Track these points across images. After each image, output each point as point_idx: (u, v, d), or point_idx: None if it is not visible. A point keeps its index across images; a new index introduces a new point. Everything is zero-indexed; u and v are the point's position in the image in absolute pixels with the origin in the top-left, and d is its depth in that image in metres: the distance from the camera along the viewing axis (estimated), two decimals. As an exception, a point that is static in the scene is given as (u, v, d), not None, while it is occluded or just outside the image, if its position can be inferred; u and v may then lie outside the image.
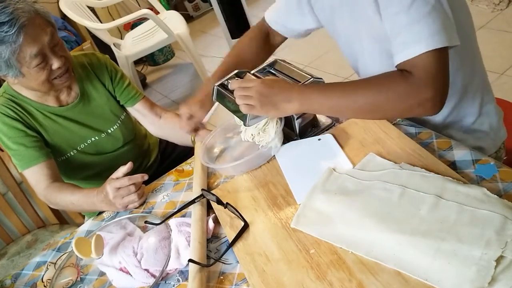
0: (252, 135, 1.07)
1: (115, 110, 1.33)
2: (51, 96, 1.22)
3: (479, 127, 1.01)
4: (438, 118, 1.00)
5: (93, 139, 1.29)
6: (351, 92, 0.84)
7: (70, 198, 1.13)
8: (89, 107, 1.28)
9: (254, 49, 1.17)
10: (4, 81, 1.21)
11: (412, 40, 0.76)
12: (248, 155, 0.98)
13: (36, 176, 1.17)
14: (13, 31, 1.00)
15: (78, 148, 1.28)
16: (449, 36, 0.75)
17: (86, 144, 1.28)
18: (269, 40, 1.19)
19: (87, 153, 1.29)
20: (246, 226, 0.87)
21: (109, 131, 1.31)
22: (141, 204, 1.08)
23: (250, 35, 1.19)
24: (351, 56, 1.07)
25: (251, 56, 1.15)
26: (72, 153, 1.27)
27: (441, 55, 0.75)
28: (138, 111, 1.38)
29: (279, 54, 1.15)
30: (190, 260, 0.80)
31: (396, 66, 0.80)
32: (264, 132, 1.04)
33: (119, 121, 1.33)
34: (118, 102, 1.35)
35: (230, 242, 0.86)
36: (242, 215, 0.88)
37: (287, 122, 1.06)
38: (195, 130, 1.09)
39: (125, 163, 1.06)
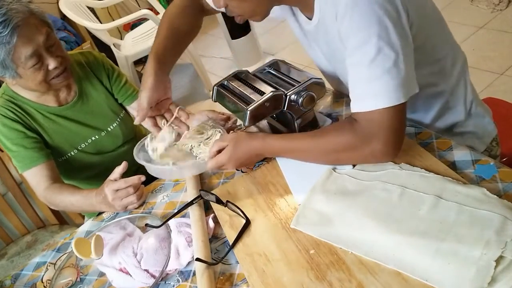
0: (192, 146, 1.05)
1: (114, 108, 1.33)
2: (50, 96, 1.22)
3: (465, 129, 1.02)
4: (425, 123, 1.02)
5: (93, 138, 1.29)
6: (309, 140, 0.89)
7: (69, 199, 1.13)
8: (88, 105, 1.28)
9: (188, 18, 1.06)
10: (2, 82, 1.21)
11: (370, 94, 0.77)
12: (182, 161, 1.02)
13: (36, 177, 1.17)
14: (7, 32, 0.99)
15: (79, 148, 1.28)
16: (407, 90, 0.77)
17: (86, 144, 1.28)
18: (202, 6, 1.10)
19: (88, 152, 1.29)
20: (247, 223, 0.87)
21: (109, 129, 1.31)
22: (141, 205, 1.08)
23: (179, 2, 1.08)
24: (333, 77, 1.09)
25: (186, 28, 1.06)
26: (72, 153, 1.27)
27: (396, 110, 0.77)
28: (135, 109, 1.38)
29: (279, 54, 1.15)
30: (197, 259, 0.80)
31: (352, 113, 0.82)
32: (206, 145, 1.04)
33: (118, 119, 1.33)
34: (116, 100, 1.35)
35: (229, 241, 0.86)
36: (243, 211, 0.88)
37: (287, 123, 1.06)
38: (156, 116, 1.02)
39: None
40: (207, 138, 1.05)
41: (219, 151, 0.95)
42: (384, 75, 0.75)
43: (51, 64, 1.09)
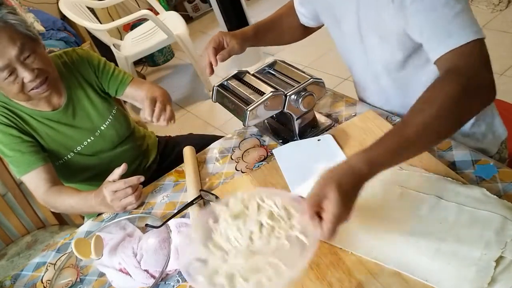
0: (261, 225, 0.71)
1: (105, 105, 1.31)
2: (42, 102, 1.21)
3: (477, 130, 1.01)
4: None
5: (89, 140, 1.28)
6: (417, 116, 0.69)
7: (69, 202, 1.13)
8: (79, 107, 1.27)
9: (294, 22, 1.17)
10: None
11: (459, 27, 0.74)
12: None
13: (34, 181, 1.17)
14: None
15: (75, 151, 1.27)
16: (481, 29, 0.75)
17: (82, 146, 1.28)
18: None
19: (85, 154, 1.29)
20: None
21: (102, 128, 1.30)
22: (140, 205, 1.08)
23: (279, 10, 1.19)
24: (350, 53, 1.06)
25: (289, 25, 1.17)
26: (69, 156, 1.27)
27: (484, 44, 0.75)
28: (131, 97, 1.34)
29: (279, 54, 1.16)
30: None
31: (438, 59, 0.77)
32: (278, 222, 0.71)
33: (110, 116, 1.32)
34: (108, 95, 1.34)
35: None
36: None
37: (287, 123, 1.06)
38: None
39: (124, 162, 1.06)
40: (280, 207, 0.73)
41: (316, 208, 0.66)
42: (463, 12, 0.75)
43: (26, 77, 1.07)
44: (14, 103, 1.19)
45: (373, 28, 0.92)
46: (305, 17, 1.14)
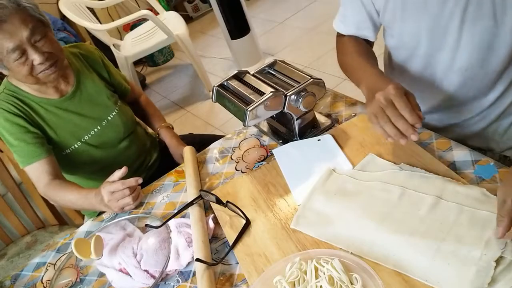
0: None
1: (111, 96, 1.34)
2: (50, 88, 1.22)
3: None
4: (493, 116, 1.00)
5: (95, 129, 1.29)
6: None
7: (69, 197, 1.14)
8: (86, 95, 1.29)
9: (369, 49, 1.05)
10: (2, 78, 1.21)
11: None
12: None
13: (37, 172, 1.18)
14: None
15: (82, 140, 1.28)
16: None
17: (90, 136, 1.28)
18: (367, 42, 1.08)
19: (91, 144, 1.29)
20: (248, 223, 0.87)
21: (109, 118, 1.32)
22: (140, 205, 1.08)
23: (351, 46, 1.05)
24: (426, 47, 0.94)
25: (372, 53, 1.05)
26: (76, 145, 1.27)
27: None
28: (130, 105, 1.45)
29: (279, 54, 1.15)
30: (198, 260, 0.80)
31: None
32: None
33: (117, 108, 1.34)
34: (114, 89, 1.39)
35: (229, 241, 0.86)
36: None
37: (287, 123, 1.06)
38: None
39: (128, 159, 1.06)
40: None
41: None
42: None
43: (36, 59, 1.09)
44: (23, 92, 1.20)
45: (487, 9, 0.82)
46: (373, 34, 1.05)
